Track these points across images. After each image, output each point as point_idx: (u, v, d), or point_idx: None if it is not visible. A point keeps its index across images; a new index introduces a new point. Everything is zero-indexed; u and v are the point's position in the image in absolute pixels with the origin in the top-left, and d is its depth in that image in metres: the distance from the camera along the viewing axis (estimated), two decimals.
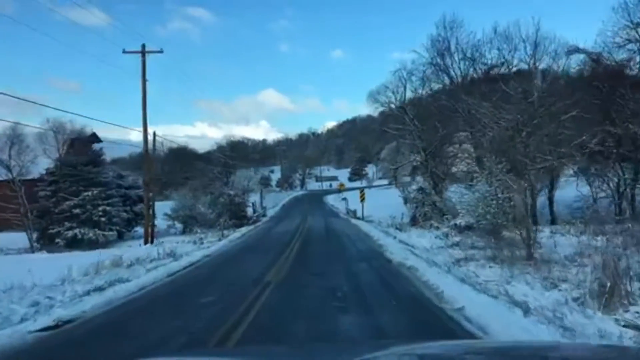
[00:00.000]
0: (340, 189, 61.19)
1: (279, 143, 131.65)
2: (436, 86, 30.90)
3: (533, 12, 38.08)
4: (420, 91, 30.39)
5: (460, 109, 27.36)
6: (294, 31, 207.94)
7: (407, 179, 43.91)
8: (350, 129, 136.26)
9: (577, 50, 27.51)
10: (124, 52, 25.90)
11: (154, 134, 27.15)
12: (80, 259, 15.26)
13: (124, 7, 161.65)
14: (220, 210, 33.74)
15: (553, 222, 24.57)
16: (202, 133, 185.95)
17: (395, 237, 19.53)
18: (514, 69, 28.74)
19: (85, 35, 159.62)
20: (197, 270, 12.51)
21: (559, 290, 8.59)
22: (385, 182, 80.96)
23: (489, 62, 28.97)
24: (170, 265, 12.86)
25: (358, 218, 34.65)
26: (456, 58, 29.67)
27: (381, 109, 32.89)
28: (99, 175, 29.40)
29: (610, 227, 17.57)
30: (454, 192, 28.11)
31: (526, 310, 6.58)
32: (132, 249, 22.52)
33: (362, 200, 35.73)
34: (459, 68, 29.84)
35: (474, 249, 15.86)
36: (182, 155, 65.04)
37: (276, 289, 8.89)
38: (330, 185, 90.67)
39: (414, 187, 29.03)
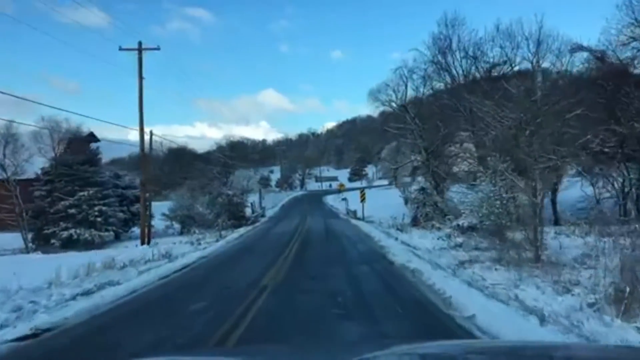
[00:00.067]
0: (340, 190, 60.75)
1: (278, 143, 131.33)
2: (437, 85, 30.49)
3: (536, 10, 37.57)
4: (421, 90, 29.96)
5: (462, 107, 26.94)
6: (294, 31, 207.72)
7: (408, 179, 43.53)
8: (350, 129, 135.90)
9: (581, 48, 27.07)
10: (121, 49, 25.51)
11: (151, 133, 26.75)
12: (73, 260, 14.86)
13: (123, 6, 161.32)
14: (218, 211, 33.30)
15: (556, 222, 24.13)
16: (201, 133, 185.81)
17: (396, 238, 19.07)
18: (517, 68, 28.30)
19: (84, 35, 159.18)
20: (192, 273, 12.04)
21: (572, 294, 8.14)
22: (385, 182, 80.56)
23: (491, 60, 28.55)
24: (164, 267, 12.41)
25: (358, 218, 34.18)
26: (458, 56, 29.27)
27: (382, 108, 32.47)
28: (95, 174, 28.94)
29: (616, 228, 17.19)
30: (456, 192, 27.71)
31: (542, 319, 6.13)
32: (128, 249, 22.09)
33: (363, 200, 35.25)
34: (461, 66, 29.44)
35: (477, 250, 15.46)
36: (181, 156, 64.62)
37: (273, 294, 8.44)
38: (330, 186, 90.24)
39: (415, 187, 28.57)
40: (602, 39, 26.31)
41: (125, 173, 35.88)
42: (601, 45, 26.55)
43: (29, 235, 27.95)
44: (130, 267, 12.67)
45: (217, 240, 21.81)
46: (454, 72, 29.62)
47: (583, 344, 4.76)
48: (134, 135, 24.19)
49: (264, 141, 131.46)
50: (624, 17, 24.73)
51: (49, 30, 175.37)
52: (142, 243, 24.65)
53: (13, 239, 27.01)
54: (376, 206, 34.44)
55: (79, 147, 31.75)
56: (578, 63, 27.26)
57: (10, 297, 8.32)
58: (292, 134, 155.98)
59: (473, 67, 29.33)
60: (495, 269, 11.64)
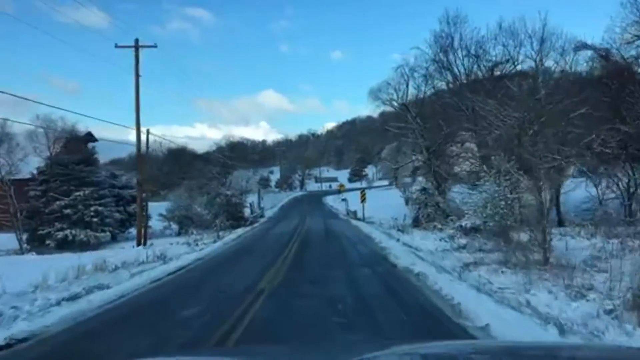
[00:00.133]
0: (340, 190, 60.31)
1: (278, 144, 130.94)
2: (439, 84, 30.00)
3: (539, 7, 36.96)
4: (423, 88, 29.46)
5: (464, 107, 26.49)
6: (294, 31, 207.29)
7: (408, 180, 43.07)
8: (350, 130, 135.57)
9: (585, 46, 26.60)
10: (117, 46, 25.10)
11: (147, 132, 26.29)
12: (66, 261, 14.40)
13: (123, 6, 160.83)
14: (216, 211, 32.84)
15: (560, 224, 23.67)
16: (201, 134, 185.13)
17: (398, 240, 18.60)
18: (519, 66, 27.85)
19: (84, 35, 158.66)
20: (186, 275, 11.56)
21: (587, 300, 7.68)
22: (385, 182, 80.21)
23: (494, 59, 28.09)
24: (158, 270, 11.94)
25: (358, 219, 33.70)
26: (460, 54, 28.78)
27: (382, 107, 31.95)
28: (91, 174, 28.45)
29: (622, 230, 16.80)
30: (458, 193, 27.25)
31: (561, 329, 5.66)
32: (124, 250, 21.64)
33: (363, 200, 34.76)
34: (463, 65, 28.96)
35: (482, 252, 15.04)
36: (181, 156, 64.24)
37: (269, 299, 7.95)
38: (330, 186, 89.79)
39: (417, 187, 28.10)
40: (606, 37, 25.85)
41: (122, 173, 35.41)
42: (605, 44, 26.11)
43: (24, 236, 27.52)
44: (123, 269, 12.19)
45: (215, 242, 21.34)
46: (456, 70, 29.17)
47: (585, 344, 4.72)
48: (133, 136, 23.71)
49: (263, 142, 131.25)
50: (628, 15, 24.28)
51: (49, 30, 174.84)
52: (138, 244, 24.21)
53: (8, 239, 26.58)
54: (376, 207, 33.97)
55: (76, 147, 31.30)
56: (582, 61, 26.80)
57: None
58: (292, 134, 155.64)
59: (475, 66, 28.89)
60: (502, 272, 11.19)
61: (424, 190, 26.36)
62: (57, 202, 27.41)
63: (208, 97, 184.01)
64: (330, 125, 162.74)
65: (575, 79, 26.38)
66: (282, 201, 64.77)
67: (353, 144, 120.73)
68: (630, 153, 23.61)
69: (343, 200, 50.91)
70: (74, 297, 8.59)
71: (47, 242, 27.47)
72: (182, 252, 17.01)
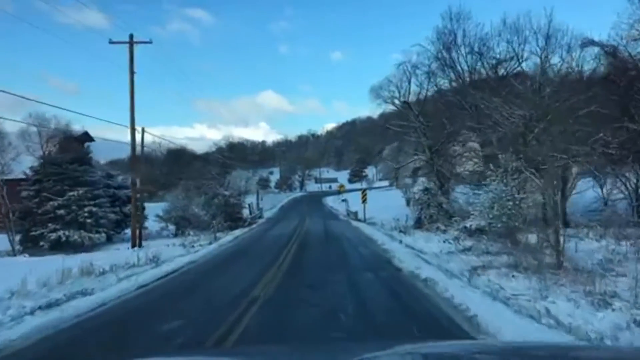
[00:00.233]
0: (340, 191, 59.65)
1: (278, 144, 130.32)
2: (442, 82, 29.29)
3: (544, 3, 35.91)
4: (425, 86, 28.72)
5: (468, 105, 25.82)
6: (293, 32, 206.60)
7: (409, 180, 42.40)
8: (350, 130, 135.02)
9: (592, 43, 25.91)
10: (111, 42, 24.41)
11: (143, 130, 25.60)
12: (56, 263, 13.73)
13: (123, 7, 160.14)
14: (214, 212, 32.15)
15: (566, 224, 23.00)
16: (201, 134, 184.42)
17: (400, 241, 17.91)
18: (524, 63, 27.15)
19: (83, 35, 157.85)
20: (176, 280, 10.84)
21: (613, 309, 6.99)
22: (385, 183, 79.64)
23: (498, 56, 27.40)
24: (147, 274, 11.26)
25: (359, 220, 33.01)
26: (463, 51, 28.08)
27: (383, 106, 31.05)
28: (85, 174, 27.70)
29: (632, 231, 16.20)
30: (461, 193, 26.57)
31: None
32: (117, 252, 20.98)
33: (364, 201, 34.05)
34: (466, 62, 28.26)
35: (488, 254, 14.41)
36: (180, 156, 63.69)
37: (263, 310, 7.22)
38: (330, 187, 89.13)
39: (419, 187, 27.42)
40: (613, 34, 25.20)
41: (119, 173, 34.69)
42: (612, 41, 25.46)
43: (17, 237, 26.84)
44: (111, 273, 11.51)
45: (211, 243, 20.64)
46: (459, 68, 28.47)
47: (587, 344, 4.73)
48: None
49: (263, 142, 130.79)
50: (635, 12, 23.61)
51: (48, 31, 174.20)
52: (133, 245, 23.52)
53: (0, 240, 25.92)
54: (377, 207, 33.29)
55: (72, 147, 30.62)
56: (589, 59, 26.11)
57: None
58: (292, 135, 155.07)
59: (479, 63, 28.19)
60: (513, 276, 10.52)
61: (426, 190, 25.67)
62: (50, 203, 26.67)
63: (208, 98, 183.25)
64: (330, 126, 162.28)
65: (581, 77, 25.74)
66: (282, 202, 64.14)
67: (353, 145, 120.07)
68: (639, 152, 22.98)
69: (343, 200, 50.33)
70: (51, 305, 7.92)
71: (41, 243, 26.76)
72: (176, 254, 16.33)
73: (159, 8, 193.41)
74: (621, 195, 23.48)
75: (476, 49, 27.87)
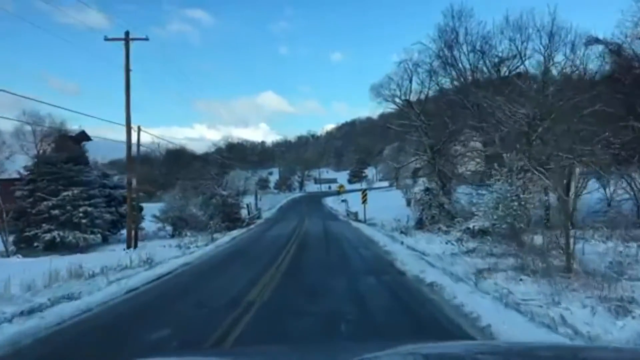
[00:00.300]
0: (340, 191, 59.22)
1: (277, 145, 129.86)
2: (443, 80, 28.80)
3: (547, 0, 35.16)
4: (427, 84, 28.21)
5: (470, 104, 25.37)
6: (293, 32, 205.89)
7: (409, 181, 41.94)
8: (350, 131, 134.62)
9: (597, 41, 25.48)
10: (106, 39, 23.93)
11: (139, 129, 25.10)
12: (45, 265, 13.26)
13: (122, 7, 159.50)
14: (212, 212, 31.66)
15: (563, 226, 22.56)
16: (200, 135, 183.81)
17: (402, 243, 17.43)
18: (527, 62, 26.69)
19: (82, 35, 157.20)
20: (167, 284, 10.35)
21: (633, 317, 6.52)
22: (385, 184, 79.20)
23: (500, 54, 26.94)
24: (139, 277, 10.77)
25: (359, 221, 32.53)
26: (465, 50, 27.62)
27: (384, 104, 30.31)
28: (80, 173, 27.19)
29: (639, 232, 15.78)
30: (463, 194, 26.10)
31: None
32: (111, 254, 20.45)
33: (364, 201, 33.55)
34: (468, 61, 27.80)
35: (493, 256, 13.97)
36: (179, 157, 63.28)
37: (256, 319, 6.71)
38: (329, 187, 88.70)
39: (420, 187, 26.95)
40: (617, 32, 24.78)
41: (115, 173, 34.19)
42: (616, 39, 25.04)
43: (11, 238, 26.36)
44: (101, 275, 11.02)
45: (207, 244, 20.15)
46: (461, 66, 28.01)
47: (588, 345, 4.76)
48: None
49: (263, 143, 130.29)
50: None
51: (47, 31, 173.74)
52: (128, 247, 23.02)
53: None
54: (377, 208, 32.82)
55: (68, 146, 30.13)
56: (593, 57, 25.66)
57: None
58: (292, 135, 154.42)
59: (481, 62, 27.73)
60: (521, 280, 10.05)
61: (427, 190, 25.20)
62: (45, 203, 26.19)
63: (207, 98, 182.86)
64: (330, 126, 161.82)
65: (586, 75, 25.31)
66: (281, 202, 63.69)
67: (353, 146, 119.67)
68: None
69: (343, 201, 49.94)
70: (34, 311, 7.44)
71: (35, 244, 26.27)
72: (171, 255, 15.85)
73: (158, 8, 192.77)
74: (627, 196, 23.03)
75: (478, 47, 27.45)
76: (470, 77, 27.92)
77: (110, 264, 13.21)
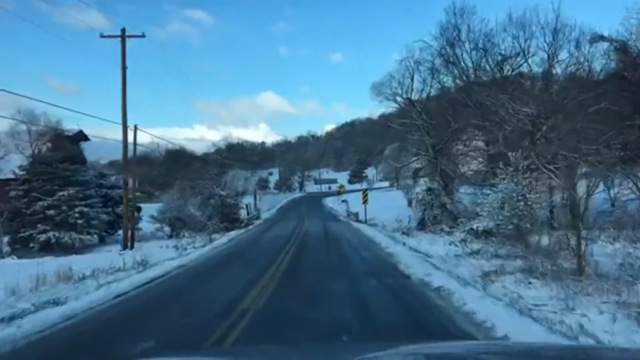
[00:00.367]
0: (340, 191, 58.78)
1: (277, 145, 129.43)
2: (445, 79, 28.32)
3: None
4: (428, 82, 27.72)
5: (472, 102, 24.91)
6: (293, 33, 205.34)
7: (410, 181, 41.49)
8: (350, 131, 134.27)
9: (602, 38, 25.03)
10: (102, 36, 23.53)
11: (135, 127, 24.66)
12: (42, 266, 12.83)
13: (122, 7, 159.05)
14: (210, 212, 31.20)
15: (575, 226, 22.11)
16: (200, 135, 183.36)
17: (404, 244, 16.97)
18: (531, 59, 26.21)
19: (82, 34, 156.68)
20: (158, 288, 9.84)
21: None
22: (385, 184, 78.80)
23: (503, 52, 26.46)
24: (130, 280, 10.31)
25: (360, 221, 32.05)
26: (467, 47, 27.15)
27: (385, 103, 29.75)
28: (76, 173, 26.74)
29: None
30: (466, 194, 25.65)
31: None
32: (105, 255, 20.01)
33: (365, 202, 33.06)
34: (470, 59, 27.33)
35: (498, 258, 13.52)
36: (179, 157, 62.91)
37: (252, 326, 6.24)
38: (329, 188, 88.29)
39: (422, 187, 26.50)
40: (622, 29, 24.35)
41: (112, 173, 33.74)
42: (621, 36, 24.61)
43: (5, 239, 25.90)
44: (91, 278, 10.56)
45: (205, 245, 19.69)
46: (463, 64, 27.54)
47: (592, 345, 4.75)
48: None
49: (262, 143, 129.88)
50: None
51: (47, 30, 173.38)
52: (125, 247, 22.58)
53: None
54: (378, 208, 32.34)
55: (65, 145, 29.70)
56: (598, 54, 25.20)
57: None
58: (291, 136, 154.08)
59: (483, 60, 27.26)
60: (530, 283, 9.59)
61: (429, 190, 24.73)
62: (40, 203, 25.75)
63: (207, 99, 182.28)
64: (330, 127, 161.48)
65: (591, 73, 24.87)
66: (281, 202, 63.25)
67: (353, 146, 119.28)
68: None
69: (343, 201, 49.53)
70: (15, 317, 7.00)
71: (31, 245, 25.82)
72: (166, 257, 15.39)
73: (158, 9, 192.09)
74: (633, 196, 22.58)
75: (481, 45, 26.98)
76: (472, 76, 27.47)
77: (102, 266, 12.76)
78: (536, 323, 5.80)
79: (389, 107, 30.61)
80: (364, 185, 78.75)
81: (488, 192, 16.66)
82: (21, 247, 25.74)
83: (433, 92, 28.09)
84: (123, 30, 23.20)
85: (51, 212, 25.76)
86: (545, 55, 25.33)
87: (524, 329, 5.49)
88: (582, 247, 10.19)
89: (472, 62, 27.51)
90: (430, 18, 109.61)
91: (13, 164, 27.45)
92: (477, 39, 26.91)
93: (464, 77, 27.80)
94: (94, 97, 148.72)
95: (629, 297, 7.45)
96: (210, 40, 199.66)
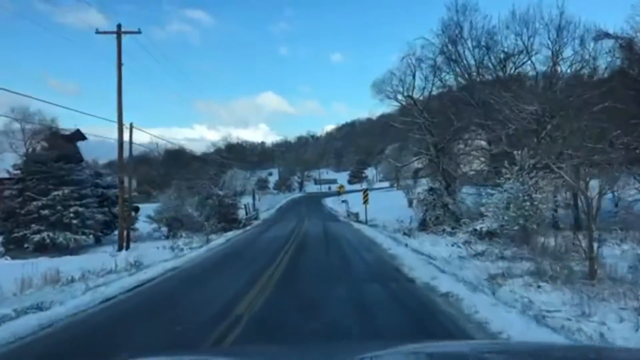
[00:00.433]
0: (340, 192, 58.34)
1: (277, 145, 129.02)
2: (447, 77, 27.84)
3: None
4: (430, 79, 27.22)
5: (475, 101, 24.46)
6: (293, 33, 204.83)
7: (410, 181, 41.03)
8: (350, 132, 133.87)
9: (607, 35, 24.58)
10: (97, 32, 23.03)
11: (131, 126, 24.16)
12: (36, 267, 12.40)
13: (122, 7, 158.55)
14: (208, 213, 30.71)
15: (579, 227, 21.65)
16: (200, 135, 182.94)
17: (406, 245, 16.49)
18: (534, 57, 25.75)
19: (82, 34, 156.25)
20: (149, 292, 9.36)
21: None
22: (385, 184, 78.40)
23: (506, 49, 26.00)
24: (119, 283, 9.84)
25: (360, 222, 31.56)
26: (469, 45, 26.68)
27: (386, 101, 29.19)
28: (71, 172, 26.23)
29: None
30: (468, 194, 25.19)
31: None
32: (103, 255, 19.54)
33: (366, 202, 32.57)
34: (473, 56, 26.86)
35: (504, 260, 13.06)
36: (178, 157, 62.51)
37: (245, 335, 5.75)
38: (329, 188, 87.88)
39: (424, 187, 26.03)
40: (627, 27, 23.93)
41: (109, 172, 33.25)
42: (625, 34, 24.18)
43: (0, 239, 25.45)
44: (80, 282, 10.10)
45: (201, 246, 19.22)
46: (465, 62, 27.07)
47: (594, 345, 4.74)
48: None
49: (262, 143, 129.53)
50: None
51: (47, 30, 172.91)
52: (120, 248, 22.09)
53: None
54: (378, 208, 31.87)
55: (60, 144, 29.22)
56: (603, 52, 24.74)
57: None
58: (291, 136, 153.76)
59: (486, 58, 26.79)
60: (539, 287, 9.13)
61: (431, 190, 24.26)
62: (34, 203, 25.24)
63: (207, 99, 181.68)
64: (330, 127, 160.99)
65: (596, 71, 24.46)
66: (280, 203, 62.80)
67: (352, 146, 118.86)
68: None
69: (343, 201, 49.11)
70: None
71: (26, 245, 25.35)
72: (160, 258, 14.94)
73: (158, 9, 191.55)
74: (639, 197, 22.13)
75: (483, 42, 26.51)
76: (475, 74, 27.02)
77: (94, 267, 12.31)
78: (556, 333, 5.33)
79: (390, 106, 30.15)
80: (364, 186, 78.36)
81: (493, 192, 16.19)
82: (15, 248, 25.26)
83: (435, 91, 27.61)
84: (119, 26, 22.75)
85: (45, 212, 25.26)
86: (549, 53, 24.89)
87: (540, 339, 5.01)
88: (595, 249, 9.72)
89: (475, 60, 27.07)
90: (431, 18, 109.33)
91: (7, 163, 26.97)
92: (479, 36, 26.47)
93: (466, 75, 27.35)
94: (93, 96, 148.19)
95: None
96: (210, 40, 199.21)
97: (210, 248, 18.58)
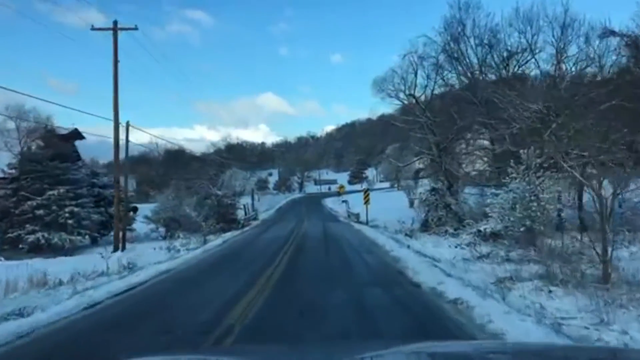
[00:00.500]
0: (340, 192, 57.90)
1: (277, 146, 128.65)
2: (449, 75, 27.38)
3: None
4: (432, 77, 26.75)
5: (477, 100, 24.00)
6: (293, 33, 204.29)
7: (411, 182, 40.59)
8: (350, 132, 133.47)
9: (612, 33, 24.12)
10: (93, 29, 22.65)
11: (127, 124, 23.70)
12: (31, 268, 12.01)
13: (122, 7, 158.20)
14: (206, 213, 30.27)
15: (584, 229, 21.20)
16: (200, 136, 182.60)
17: (409, 247, 16.02)
18: (537, 55, 25.28)
19: (82, 33, 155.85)
20: (138, 296, 8.88)
21: None
22: (386, 185, 78.00)
23: (509, 48, 25.53)
24: (109, 287, 9.37)
25: (361, 222, 31.08)
26: (472, 43, 26.21)
27: (387, 100, 28.72)
28: (67, 171, 25.80)
29: None
30: (470, 194, 24.75)
31: None
32: (97, 257, 19.08)
33: (367, 202, 32.08)
34: (475, 55, 26.38)
35: (510, 262, 12.60)
36: (178, 157, 62.15)
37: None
38: (329, 188, 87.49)
39: (425, 187, 25.58)
40: (632, 25, 23.47)
41: (105, 172, 32.79)
42: (631, 32, 23.73)
43: None
44: (68, 285, 9.64)
45: (198, 247, 18.76)
46: (468, 61, 26.60)
47: (592, 346, 4.69)
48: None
49: (262, 144, 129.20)
50: None
51: (46, 29, 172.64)
52: (116, 249, 21.64)
53: None
54: (379, 209, 31.39)
55: (56, 143, 28.79)
56: (609, 50, 24.26)
57: None
58: (291, 137, 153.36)
59: (489, 56, 26.31)
60: (550, 292, 8.68)
61: (433, 190, 23.80)
62: (29, 202, 24.85)
63: (207, 99, 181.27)
64: (330, 127, 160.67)
65: (601, 69, 23.99)
66: (280, 203, 62.39)
67: (353, 147, 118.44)
68: None
69: (343, 202, 48.69)
70: None
71: (20, 245, 24.93)
72: (155, 260, 14.47)
73: (158, 9, 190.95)
74: None
75: (486, 40, 26.04)
76: (477, 72, 26.56)
77: (85, 269, 11.86)
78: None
79: (391, 105, 29.67)
80: (364, 186, 77.93)
81: (498, 192, 15.72)
82: (10, 248, 24.87)
83: (437, 89, 27.14)
84: (115, 22, 22.34)
85: (40, 211, 24.87)
86: (554, 51, 24.41)
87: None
88: (609, 252, 9.26)
89: (477, 58, 26.57)
90: (431, 18, 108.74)
91: (1, 162, 26.52)
92: (482, 34, 25.97)
93: (469, 74, 26.88)
94: (93, 96, 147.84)
95: None
96: (210, 41, 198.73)
97: (206, 249, 18.11)
